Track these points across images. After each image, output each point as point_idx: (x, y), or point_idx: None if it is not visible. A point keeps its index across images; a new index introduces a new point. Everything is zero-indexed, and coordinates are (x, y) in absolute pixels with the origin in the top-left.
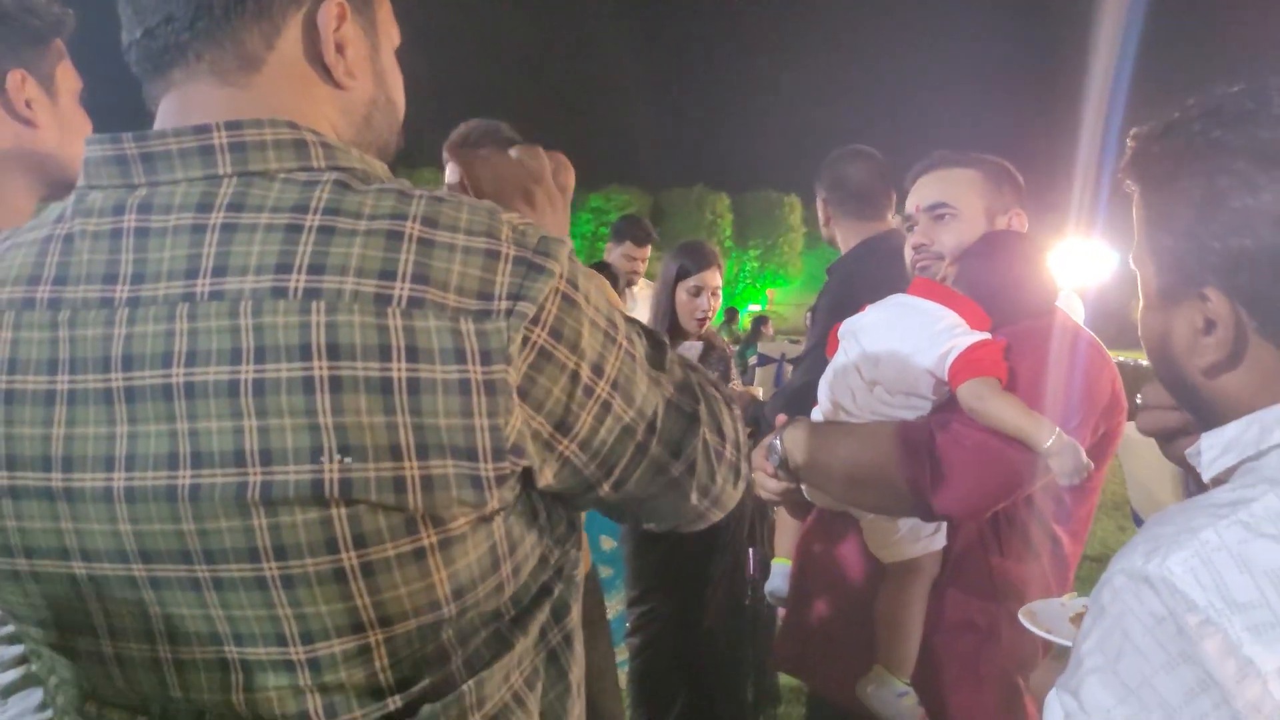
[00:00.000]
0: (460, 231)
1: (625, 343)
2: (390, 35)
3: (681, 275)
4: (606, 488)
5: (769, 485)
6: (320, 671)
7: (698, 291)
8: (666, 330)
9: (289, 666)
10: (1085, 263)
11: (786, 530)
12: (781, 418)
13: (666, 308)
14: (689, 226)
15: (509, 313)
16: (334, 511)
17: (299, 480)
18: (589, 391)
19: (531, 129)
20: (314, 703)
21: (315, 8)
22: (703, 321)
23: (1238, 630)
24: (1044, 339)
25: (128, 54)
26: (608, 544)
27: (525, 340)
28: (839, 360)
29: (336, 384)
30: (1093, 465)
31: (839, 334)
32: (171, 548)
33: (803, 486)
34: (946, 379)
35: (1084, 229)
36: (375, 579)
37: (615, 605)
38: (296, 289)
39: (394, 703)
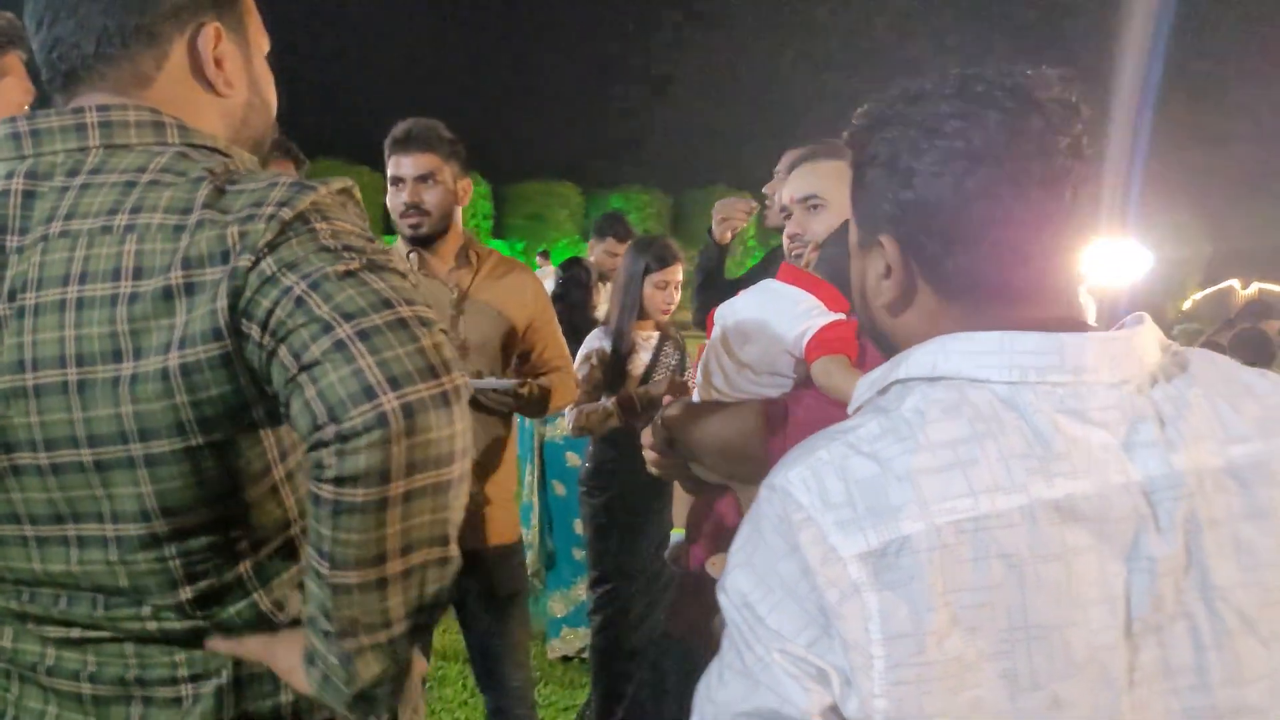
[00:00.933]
0: (253, 182)
1: (338, 247)
2: (260, 44)
3: (649, 270)
4: (275, 344)
5: (657, 463)
6: (124, 550)
7: (664, 285)
8: (634, 320)
9: (103, 542)
10: (1120, 262)
11: (682, 502)
12: (668, 398)
13: (635, 300)
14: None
15: (271, 216)
16: (125, 408)
17: (104, 379)
18: (274, 281)
19: (550, 130)
20: (126, 580)
21: (196, 32)
22: (667, 312)
23: (828, 524)
24: None
25: (41, 69)
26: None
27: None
28: (712, 342)
29: (134, 299)
30: None
31: (714, 318)
32: (25, 438)
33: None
34: (803, 357)
35: (1118, 229)
36: (156, 470)
37: (583, 586)
38: (119, 225)
39: (185, 593)
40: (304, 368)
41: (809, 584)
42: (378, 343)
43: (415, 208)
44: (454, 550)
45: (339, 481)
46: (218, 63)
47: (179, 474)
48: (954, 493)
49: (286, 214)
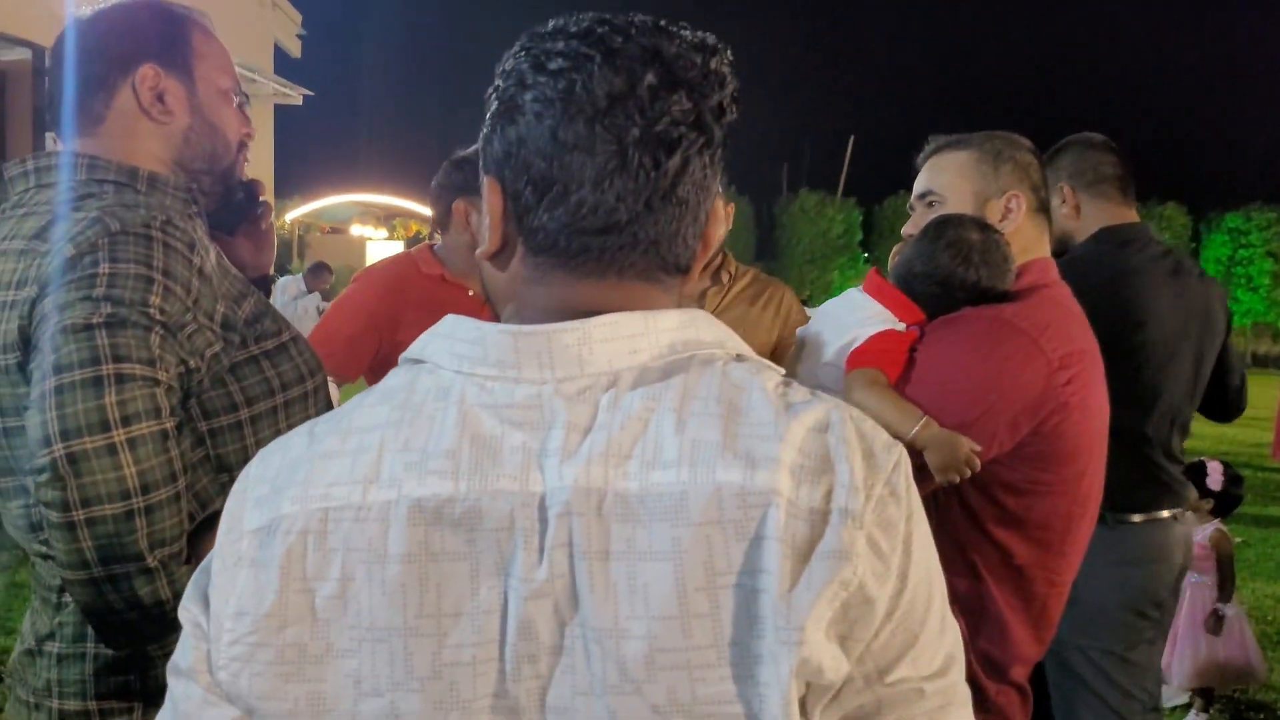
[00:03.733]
0: (90, 211)
1: (99, 294)
2: (212, 81)
3: None
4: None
5: None
6: (6, 498)
7: None
8: None
9: (5, 492)
10: None
11: None
12: None
13: None
14: None
15: (57, 252)
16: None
17: None
18: (45, 320)
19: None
20: (29, 518)
21: (136, 74)
22: None
23: (250, 498)
24: (955, 328)
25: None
26: None
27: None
28: (791, 355)
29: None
30: (976, 461)
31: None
32: None
33: None
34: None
35: None
36: (12, 439)
37: None
38: (11, 249)
39: (40, 537)
40: (26, 406)
41: (216, 556)
42: (66, 398)
43: None
44: (152, 563)
45: (41, 503)
46: (159, 97)
47: (24, 445)
48: (334, 479)
49: (68, 250)
